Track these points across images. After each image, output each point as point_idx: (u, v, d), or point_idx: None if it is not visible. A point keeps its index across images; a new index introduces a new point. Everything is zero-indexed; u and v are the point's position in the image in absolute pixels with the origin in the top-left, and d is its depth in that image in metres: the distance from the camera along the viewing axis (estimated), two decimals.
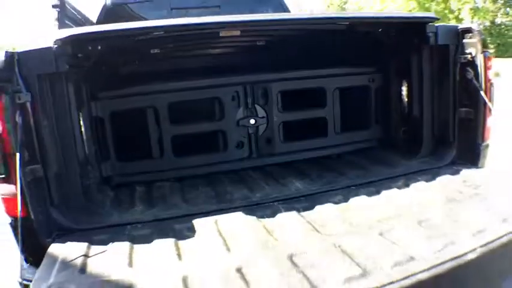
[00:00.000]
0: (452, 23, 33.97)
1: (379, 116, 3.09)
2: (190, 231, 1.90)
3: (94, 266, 1.67)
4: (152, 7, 4.59)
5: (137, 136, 2.70)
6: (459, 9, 31.69)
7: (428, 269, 1.48)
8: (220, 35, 2.62)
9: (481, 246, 1.62)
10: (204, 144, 2.82)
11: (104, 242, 1.87)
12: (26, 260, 2.07)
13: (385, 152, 2.98)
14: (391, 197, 2.21)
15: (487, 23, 34.87)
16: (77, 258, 1.72)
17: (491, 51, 32.74)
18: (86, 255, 1.75)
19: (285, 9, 5.23)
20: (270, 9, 4.83)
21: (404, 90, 2.96)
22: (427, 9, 33.04)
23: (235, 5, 4.65)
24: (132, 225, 2.03)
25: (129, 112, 2.64)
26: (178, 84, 2.68)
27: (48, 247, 1.86)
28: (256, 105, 2.81)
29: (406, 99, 2.95)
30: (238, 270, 1.52)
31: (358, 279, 1.43)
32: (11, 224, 2.07)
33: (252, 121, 2.80)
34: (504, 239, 1.71)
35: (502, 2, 33.19)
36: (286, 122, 2.88)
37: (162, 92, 2.63)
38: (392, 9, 33.11)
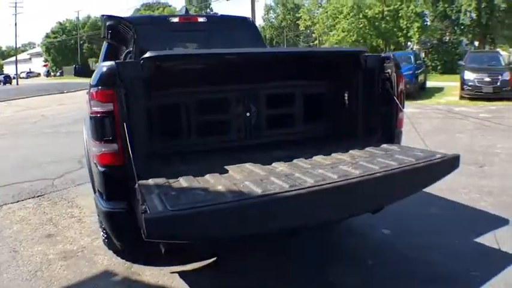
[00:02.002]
0: (401, 40, 36.88)
1: (330, 113, 4.82)
2: (224, 171, 3.36)
3: (176, 186, 3.13)
4: (155, 29, 6.12)
5: (174, 122, 4.22)
6: (407, 27, 34.56)
7: (356, 177, 3.11)
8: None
9: (383, 171, 3.28)
10: (217, 129, 4.39)
11: (179, 176, 3.30)
12: (109, 197, 3.22)
13: (334, 137, 4.64)
14: (337, 156, 3.85)
15: (435, 41, 37.97)
16: (164, 183, 3.10)
17: (438, 67, 35.15)
18: (168, 182, 3.13)
19: (258, 33, 6.97)
20: (246, 32, 6.50)
21: (346, 96, 4.70)
22: (377, 28, 35.69)
23: (219, 29, 6.31)
24: (185, 170, 3.51)
25: (169, 106, 4.18)
26: (202, 88, 4.24)
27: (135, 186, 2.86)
28: (250, 104, 4.45)
29: (347, 102, 4.69)
30: (261, 180, 3.09)
31: (321, 181, 3.02)
32: (104, 172, 3.19)
33: (248, 114, 4.42)
34: (397, 170, 3.40)
35: (449, 21, 36.10)
36: (269, 115, 4.53)
37: (192, 93, 4.20)
38: (345, 25, 35.51)
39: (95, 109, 3.19)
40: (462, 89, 17.91)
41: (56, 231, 5.13)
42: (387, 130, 4.40)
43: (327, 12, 39.05)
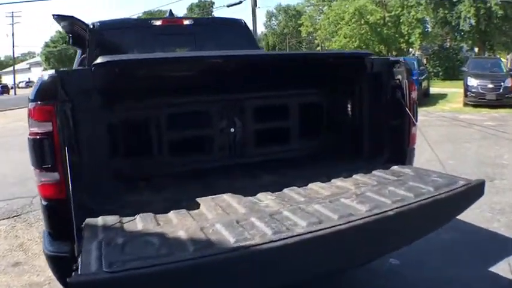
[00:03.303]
0: (403, 46, 36.25)
1: (329, 126, 4.01)
2: (195, 205, 2.67)
3: (130, 228, 2.40)
4: (135, 33, 5.37)
5: (142, 139, 3.46)
6: (409, 33, 33.94)
7: (362, 219, 2.33)
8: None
9: (398, 208, 2.50)
10: (195, 147, 3.62)
11: (130, 215, 2.60)
12: (53, 237, 2.64)
13: (333, 155, 3.87)
14: (337, 182, 3.08)
15: (436, 47, 37.33)
16: (114, 224, 2.39)
17: (440, 73, 34.68)
18: (120, 222, 2.46)
19: (252, 37, 6.18)
20: (238, 36, 5.72)
21: (349, 106, 3.90)
22: (379, 34, 35.16)
23: (208, 32, 5.53)
24: (147, 203, 2.78)
25: (136, 120, 3.41)
26: (176, 99, 3.47)
27: (81, 224, 2.35)
28: (235, 118, 3.65)
29: (350, 114, 3.89)
30: (237, 222, 2.31)
31: (316, 225, 2.26)
32: (46, 206, 2.62)
33: (232, 129, 3.64)
34: (414, 206, 2.60)
35: (450, 27, 35.56)
36: (257, 130, 3.74)
37: (162, 105, 3.42)
38: (346, 31, 34.95)
39: (33, 130, 2.59)
40: (466, 95, 17.31)
41: (25, 258, 4.66)
42: (397, 148, 3.63)
43: (328, 18, 38.70)
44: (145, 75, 3.21)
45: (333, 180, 3.10)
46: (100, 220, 2.43)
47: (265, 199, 2.72)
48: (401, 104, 3.50)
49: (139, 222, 2.41)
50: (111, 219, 2.46)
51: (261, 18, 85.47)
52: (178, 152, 3.55)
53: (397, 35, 35.06)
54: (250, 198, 2.76)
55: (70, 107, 2.65)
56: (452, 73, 32.91)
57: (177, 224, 2.35)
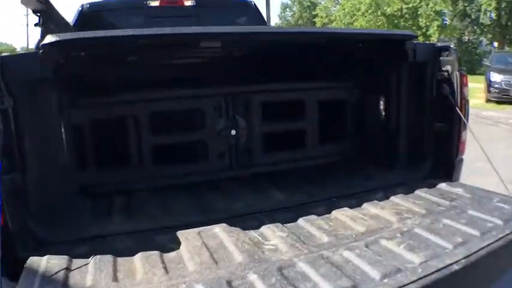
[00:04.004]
0: (420, 39, 35.03)
1: (356, 129, 3.17)
2: (175, 244, 1.88)
3: (76, 281, 1.62)
4: (129, 15, 4.58)
5: (117, 145, 2.67)
6: (427, 26, 32.71)
7: (416, 281, 1.51)
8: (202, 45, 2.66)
9: (464, 258, 1.68)
10: (185, 154, 2.82)
11: (85, 255, 1.83)
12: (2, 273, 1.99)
13: (361, 164, 3.05)
14: (371, 209, 2.26)
15: (454, 41, 36.05)
16: (57, 272, 1.66)
17: None
18: (68, 269, 1.69)
19: (263, 21, 5.32)
20: (247, 19, 4.90)
21: (382, 104, 3.05)
22: (396, 26, 33.99)
23: (212, 14, 4.69)
24: (113, 237, 2.00)
25: (109, 121, 2.61)
26: (159, 93, 2.68)
27: (26, 259, 1.78)
28: (237, 116, 2.83)
29: (383, 113, 3.04)
30: (228, 283, 1.51)
31: None
32: None
33: (233, 132, 2.82)
34: (483, 252, 1.78)
35: (469, 20, 34.40)
36: (266, 133, 2.91)
37: (143, 101, 2.62)
38: (363, 23, 33.91)
39: None
40: (488, 91, 16.16)
41: None
42: (443, 158, 2.81)
43: (344, 9, 37.58)
44: (118, 59, 2.41)
45: (364, 205, 2.29)
46: (43, 262, 1.75)
47: (273, 236, 1.91)
48: (450, 102, 2.68)
49: (90, 273, 1.65)
50: (56, 263, 1.73)
51: (275, 9, 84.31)
52: (164, 162, 2.77)
53: (414, 28, 33.79)
54: (252, 233, 1.95)
55: (11, 103, 1.90)
56: (470, 67, 31.68)
57: (140, 282, 1.54)
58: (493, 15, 31.81)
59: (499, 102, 15.59)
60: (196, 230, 1.99)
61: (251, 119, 2.86)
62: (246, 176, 2.84)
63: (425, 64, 2.75)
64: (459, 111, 2.68)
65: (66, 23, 4.10)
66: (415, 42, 2.75)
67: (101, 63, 2.55)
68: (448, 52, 2.76)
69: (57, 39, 1.88)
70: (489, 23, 32.89)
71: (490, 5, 31.17)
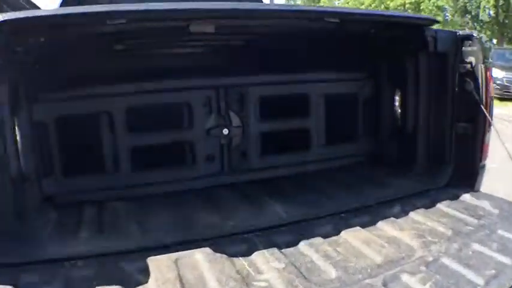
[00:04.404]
0: None
1: (368, 128, 2.75)
2: (143, 275, 1.48)
3: None
4: None
5: (88, 146, 2.25)
6: None
7: None
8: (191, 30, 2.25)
9: None
10: (167, 157, 2.40)
11: (33, 285, 1.43)
12: None
13: (374, 169, 2.65)
14: (388, 230, 1.86)
15: None
16: None
17: None
18: None
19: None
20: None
21: (397, 100, 2.64)
22: None
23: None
24: (72, 263, 1.59)
25: (79, 118, 2.19)
26: (138, 85, 2.25)
27: None
28: (230, 112, 2.41)
29: (399, 111, 2.63)
30: None
31: None
32: None
33: (226, 131, 2.40)
34: None
35: (470, 16, 34.12)
36: (264, 132, 2.49)
37: (119, 94, 2.21)
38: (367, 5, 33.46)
39: None
40: None
41: None
42: (465, 164, 2.39)
43: (348, 3, 36.89)
44: (86, 44, 1.98)
45: (380, 224, 1.89)
46: None
47: (267, 268, 1.52)
48: (474, 99, 2.28)
49: None
50: None
51: (279, 1, 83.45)
52: (143, 166, 2.36)
53: None
54: (241, 261, 1.55)
55: None
56: None
57: None
58: (491, 12, 31.56)
59: (500, 99, 15.18)
60: (173, 255, 1.58)
61: (247, 116, 2.44)
62: (239, 183, 2.43)
63: (446, 55, 2.35)
64: (484, 110, 2.27)
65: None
66: (435, 29, 2.34)
67: (67, 49, 2.13)
68: (471, 42, 2.36)
69: (3, 19, 1.47)
70: (488, 19, 32.67)
71: (488, 2, 31.06)
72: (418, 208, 2.09)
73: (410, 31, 2.37)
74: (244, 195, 2.26)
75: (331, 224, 1.89)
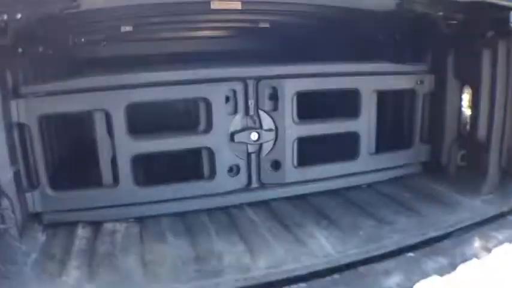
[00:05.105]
0: None
1: (427, 132, 2.21)
2: None
3: None
4: None
5: (80, 154, 1.76)
6: None
7: None
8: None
9: None
10: (179, 169, 1.90)
11: None
12: None
13: (433, 184, 2.12)
14: (477, 279, 1.34)
15: None
16: None
17: None
18: None
19: None
20: None
21: (466, 99, 2.08)
22: None
23: None
24: None
25: (68, 118, 1.70)
26: (143, 76, 1.73)
27: None
28: (260, 112, 1.88)
29: (468, 112, 2.08)
30: None
31: None
32: None
33: (254, 135, 1.87)
34: None
35: None
36: (302, 137, 1.96)
37: (118, 88, 1.69)
38: None
39: None
40: None
41: None
42: None
43: None
44: (79, 27, 1.51)
45: (461, 270, 1.38)
46: None
47: None
48: None
49: None
50: None
51: None
52: (148, 180, 1.88)
53: None
54: None
55: None
56: None
57: None
58: None
59: None
60: None
61: (282, 117, 1.91)
62: (270, 201, 1.92)
63: None
64: None
65: None
66: None
67: (54, 33, 1.64)
68: None
69: None
70: None
71: None
72: (501, 242, 1.58)
73: (492, 14, 1.82)
74: (277, 219, 1.76)
75: (398, 270, 1.38)
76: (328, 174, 2.02)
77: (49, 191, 1.71)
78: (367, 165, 2.08)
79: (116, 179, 1.75)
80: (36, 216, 1.72)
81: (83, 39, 2.21)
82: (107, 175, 1.76)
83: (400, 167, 2.18)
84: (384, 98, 2.14)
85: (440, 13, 1.97)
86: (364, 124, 2.04)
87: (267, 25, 2.40)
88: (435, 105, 2.17)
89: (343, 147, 2.09)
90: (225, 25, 2.40)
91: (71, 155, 1.78)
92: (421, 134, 2.20)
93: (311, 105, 1.96)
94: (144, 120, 1.79)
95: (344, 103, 2.09)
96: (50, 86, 1.64)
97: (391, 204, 1.91)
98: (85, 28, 2.07)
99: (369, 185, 2.09)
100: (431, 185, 2.10)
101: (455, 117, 2.14)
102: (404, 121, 2.23)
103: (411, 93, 2.15)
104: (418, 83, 2.14)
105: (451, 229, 1.69)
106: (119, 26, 2.24)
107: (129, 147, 1.73)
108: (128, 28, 2.28)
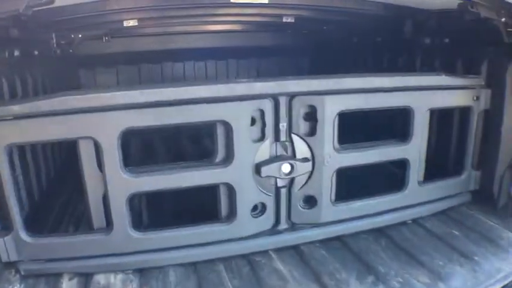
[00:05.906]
0: None
1: (478, 155, 1.84)
2: None
3: None
4: None
5: (64, 190, 1.35)
6: None
7: None
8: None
9: None
10: (190, 208, 1.50)
11: None
12: None
13: (483, 217, 1.77)
14: None
15: None
16: None
17: None
18: None
19: None
20: None
21: None
22: None
23: None
24: None
25: (47, 147, 1.28)
26: (143, 94, 1.30)
27: None
28: (294, 137, 1.47)
29: None
30: None
31: None
32: None
33: (286, 168, 1.46)
34: None
35: None
36: (343, 168, 1.56)
37: (109, 109, 1.26)
38: None
39: None
40: None
41: None
42: None
43: None
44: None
45: None
46: None
47: None
48: None
49: None
50: None
51: None
52: (150, 221, 1.56)
53: None
54: None
55: None
56: None
57: None
58: None
59: None
60: None
61: (321, 143, 1.50)
62: (301, 248, 1.53)
63: None
64: None
65: None
66: None
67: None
68: None
69: None
70: None
71: None
72: None
73: None
74: (310, 269, 1.38)
75: None
76: (371, 210, 1.64)
77: (24, 236, 1.32)
78: (415, 197, 1.71)
79: (109, 222, 1.35)
80: (12, 266, 1.36)
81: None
82: (97, 217, 1.35)
83: (450, 197, 1.82)
84: (436, 117, 1.77)
85: (503, 19, 1.59)
86: (415, 149, 1.65)
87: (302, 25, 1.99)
88: (489, 124, 1.81)
89: (386, 175, 1.72)
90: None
91: (54, 191, 1.37)
92: (473, 158, 1.84)
93: (348, 128, 1.57)
94: (144, 148, 1.38)
95: (387, 123, 1.70)
96: (18, 108, 1.21)
97: (441, 247, 1.56)
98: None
99: (416, 221, 1.72)
100: (481, 219, 1.75)
101: (511, 139, 1.79)
102: (454, 143, 1.86)
103: (465, 110, 1.77)
104: (474, 99, 1.77)
105: (506, 281, 1.38)
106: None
107: (124, 185, 1.31)
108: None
